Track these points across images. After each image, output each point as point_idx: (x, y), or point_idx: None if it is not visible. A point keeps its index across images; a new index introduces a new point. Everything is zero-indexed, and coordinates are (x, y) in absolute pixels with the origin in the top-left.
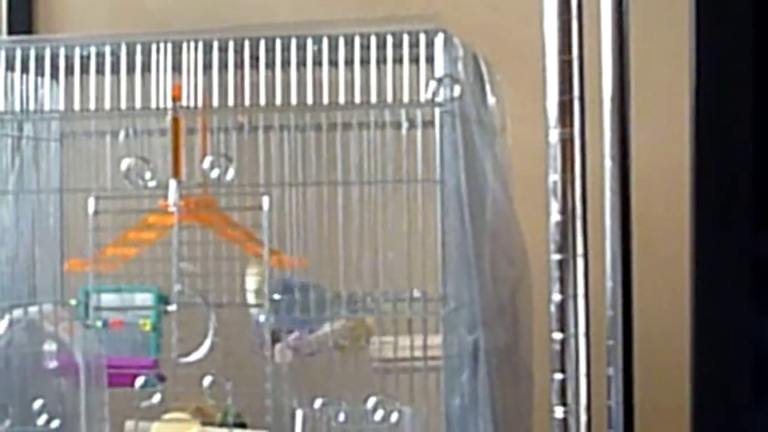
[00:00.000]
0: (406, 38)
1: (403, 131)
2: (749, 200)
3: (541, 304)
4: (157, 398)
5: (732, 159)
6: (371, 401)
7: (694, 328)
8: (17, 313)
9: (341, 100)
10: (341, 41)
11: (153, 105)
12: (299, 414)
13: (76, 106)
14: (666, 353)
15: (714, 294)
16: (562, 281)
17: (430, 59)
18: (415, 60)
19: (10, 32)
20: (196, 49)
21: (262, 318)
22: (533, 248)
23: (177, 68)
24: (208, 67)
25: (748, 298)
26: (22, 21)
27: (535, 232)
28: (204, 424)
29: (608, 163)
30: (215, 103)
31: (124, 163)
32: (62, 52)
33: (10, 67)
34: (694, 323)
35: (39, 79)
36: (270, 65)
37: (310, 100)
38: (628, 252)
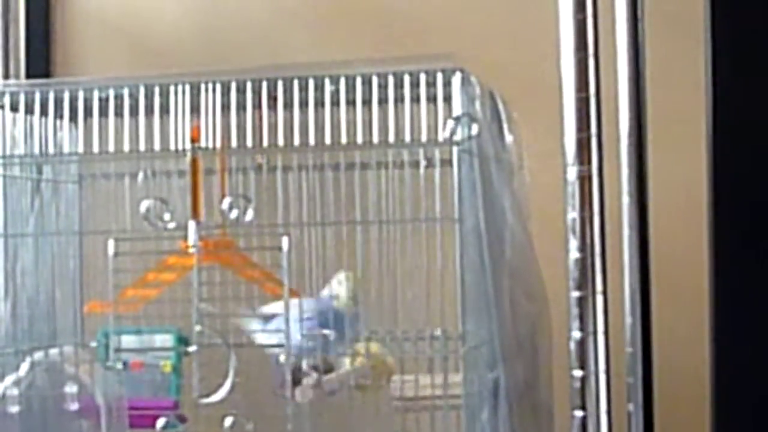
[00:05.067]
0: (423, 77)
1: (421, 170)
2: None
3: (560, 341)
4: None
5: (751, 194)
6: None
7: (714, 364)
8: (38, 355)
9: (359, 139)
10: (359, 81)
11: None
12: None
13: (95, 148)
14: (686, 390)
15: (735, 330)
16: (582, 318)
17: (447, 98)
18: (432, 99)
19: (29, 76)
20: (214, 90)
21: (282, 358)
22: (552, 285)
23: (195, 109)
24: (226, 108)
25: None
26: (40, 65)
27: (554, 270)
28: None
29: (626, 199)
30: (234, 144)
31: (144, 205)
32: (81, 95)
33: (29, 110)
34: (714, 359)
35: (58, 122)
36: (288, 106)
37: (328, 140)
38: (647, 288)
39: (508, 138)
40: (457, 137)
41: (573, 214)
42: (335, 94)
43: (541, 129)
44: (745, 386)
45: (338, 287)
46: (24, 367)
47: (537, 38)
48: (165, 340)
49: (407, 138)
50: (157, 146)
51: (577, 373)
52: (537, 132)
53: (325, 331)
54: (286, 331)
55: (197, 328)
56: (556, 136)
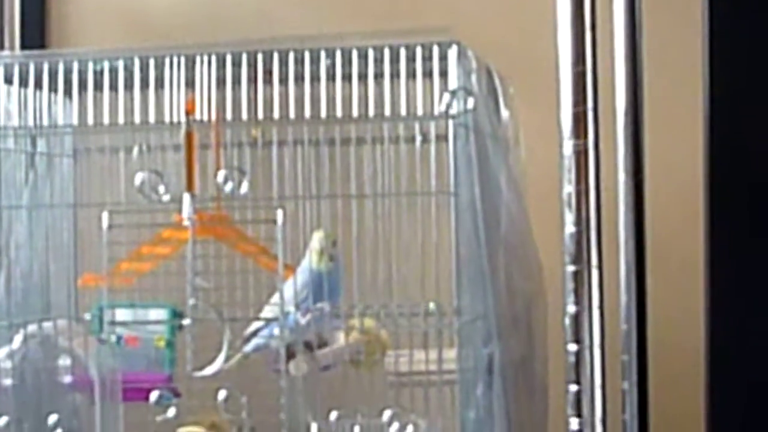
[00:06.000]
0: (419, 51)
1: (417, 145)
2: (764, 214)
3: (555, 316)
4: (172, 412)
5: (747, 172)
6: (386, 414)
7: (709, 342)
8: (32, 328)
9: (355, 114)
10: (355, 54)
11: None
12: (314, 427)
13: (90, 121)
14: (680, 368)
15: (729, 309)
16: (577, 292)
17: (443, 73)
18: (428, 74)
19: (24, 47)
20: (209, 62)
21: (276, 331)
22: (546, 262)
23: (190, 83)
24: (221, 81)
25: (765, 313)
26: (36, 36)
27: (548, 247)
28: None
29: (622, 176)
30: (229, 117)
31: (138, 177)
32: (75, 66)
33: (23, 82)
34: (709, 338)
35: (52, 95)
36: (283, 80)
37: (323, 115)
38: (642, 266)
39: (504, 113)
40: (453, 111)
41: (569, 188)
42: (331, 68)
43: (536, 105)
44: (741, 364)
45: (312, 248)
46: (17, 339)
47: (534, 14)
48: (159, 314)
49: (403, 112)
50: (152, 119)
51: (572, 347)
52: (532, 108)
53: (320, 305)
54: (281, 306)
55: (191, 301)
56: (551, 112)
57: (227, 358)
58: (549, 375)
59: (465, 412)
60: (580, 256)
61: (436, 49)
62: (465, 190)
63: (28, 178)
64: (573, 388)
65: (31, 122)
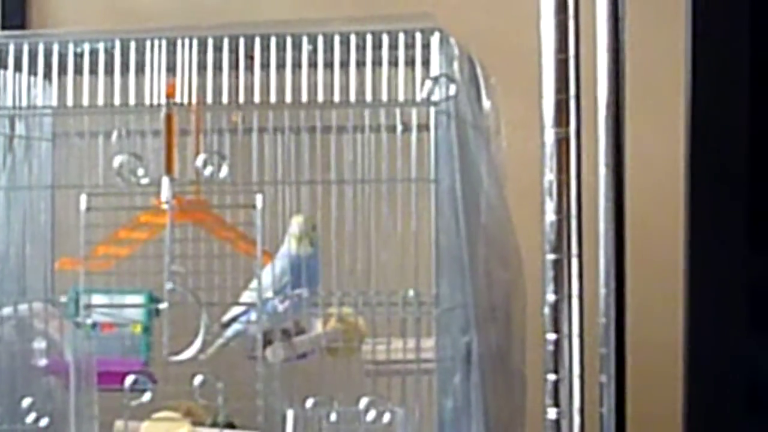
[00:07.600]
0: (401, 37)
1: (398, 133)
2: (744, 208)
3: (535, 306)
4: (147, 397)
5: (727, 167)
6: (363, 402)
7: (687, 337)
8: (7, 310)
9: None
10: (337, 39)
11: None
12: (290, 414)
13: (69, 103)
14: (659, 362)
15: (708, 303)
16: (557, 281)
17: (425, 61)
18: (410, 62)
19: (3, 28)
20: (190, 46)
21: (253, 317)
22: (526, 251)
23: (171, 67)
24: (202, 67)
25: (742, 308)
26: (16, 17)
27: (528, 237)
28: (194, 424)
29: (602, 170)
30: (209, 102)
31: (117, 160)
32: (56, 48)
33: (2, 64)
34: (687, 332)
35: (32, 78)
36: (265, 66)
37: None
38: (621, 260)
39: (486, 103)
40: (435, 98)
41: (550, 177)
42: (313, 54)
43: (517, 96)
44: (718, 359)
45: (291, 233)
46: None
47: (516, 5)
48: (135, 301)
49: (384, 99)
50: (131, 103)
51: (551, 336)
52: (513, 99)
53: (298, 291)
54: (258, 291)
55: (169, 285)
56: (532, 103)
57: (205, 344)
58: (527, 364)
59: (442, 401)
60: (560, 245)
61: (418, 36)
62: (445, 178)
63: (6, 161)
64: (551, 377)
65: (9, 104)
